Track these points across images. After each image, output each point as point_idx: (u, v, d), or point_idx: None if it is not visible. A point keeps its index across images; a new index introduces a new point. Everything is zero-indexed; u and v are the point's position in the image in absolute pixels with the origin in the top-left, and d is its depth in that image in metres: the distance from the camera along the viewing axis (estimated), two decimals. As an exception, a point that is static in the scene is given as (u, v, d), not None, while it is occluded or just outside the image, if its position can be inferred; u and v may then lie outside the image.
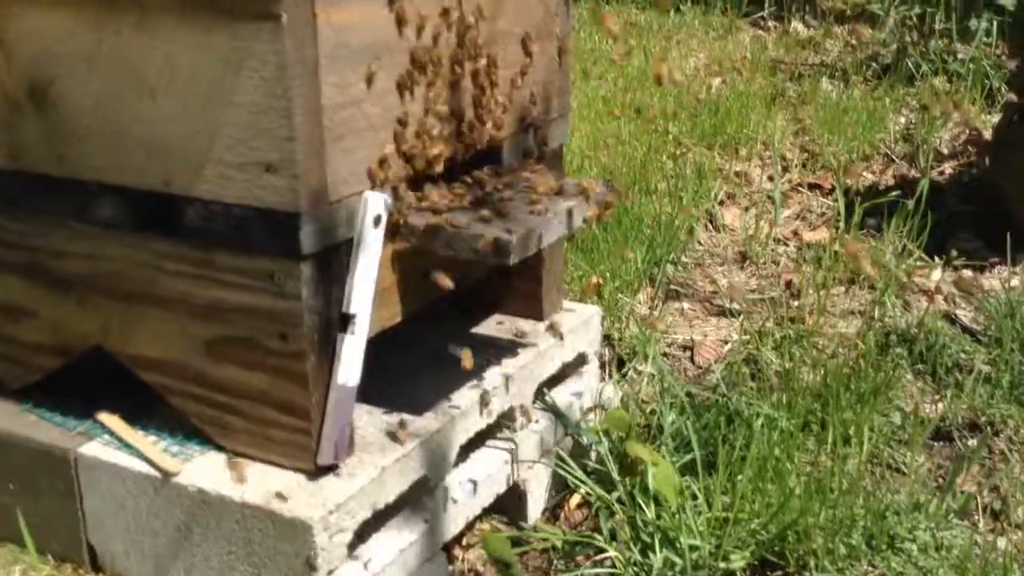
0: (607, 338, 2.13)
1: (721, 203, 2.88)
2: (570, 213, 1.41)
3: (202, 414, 1.33)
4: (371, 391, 1.43)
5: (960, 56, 3.78)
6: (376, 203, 1.24)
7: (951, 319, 2.23)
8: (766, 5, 4.75)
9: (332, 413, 1.25)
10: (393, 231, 1.31)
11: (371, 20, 1.22)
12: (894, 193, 2.61)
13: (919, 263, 2.46)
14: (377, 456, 1.33)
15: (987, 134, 3.12)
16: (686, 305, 2.37)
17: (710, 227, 2.76)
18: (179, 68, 1.17)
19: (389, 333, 1.38)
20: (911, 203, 2.45)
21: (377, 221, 1.25)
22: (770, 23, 4.74)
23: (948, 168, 3.09)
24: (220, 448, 1.33)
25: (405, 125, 1.30)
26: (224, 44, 1.13)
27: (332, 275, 1.23)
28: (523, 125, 1.53)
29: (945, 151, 3.19)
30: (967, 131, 3.25)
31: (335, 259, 1.23)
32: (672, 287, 2.40)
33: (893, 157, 3.19)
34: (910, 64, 3.76)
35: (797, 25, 4.70)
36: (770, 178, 2.99)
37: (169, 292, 1.28)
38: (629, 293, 2.28)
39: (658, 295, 2.32)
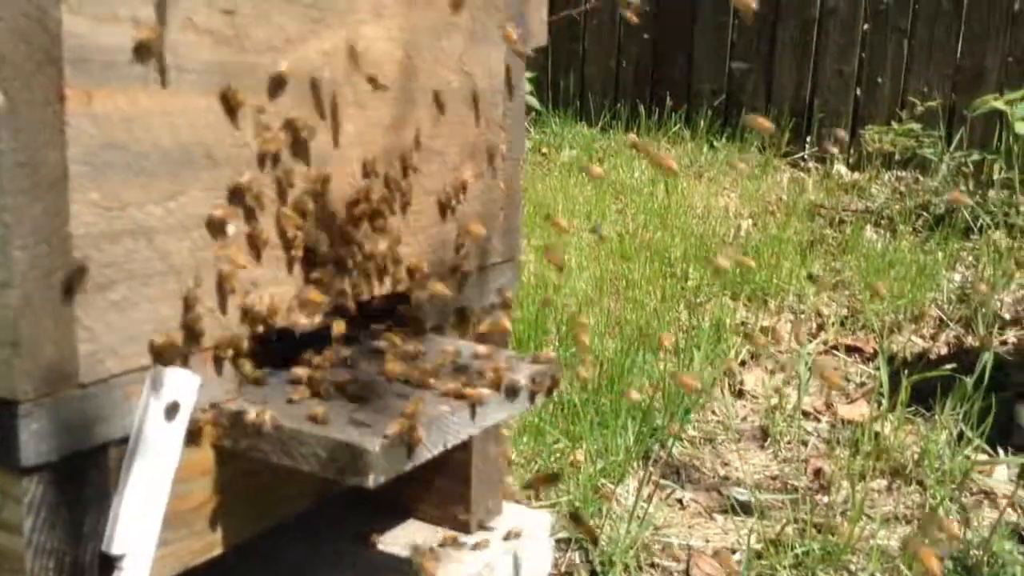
0: (579, 541, 1.67)
1: (743, 363, 2.45)
2: (474, 406, 0.98)
3: None
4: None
5: (1024, 209, 3.40)
6: (172, 385, 0.82)
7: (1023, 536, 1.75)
8: (807, 145, 4.41)
9: None
10: (202, 426, 0.88)
11: (177, 112, 0.82)
12: (948, 366, 2.18)
13: (979, 456, 1.99)
14: None
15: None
16: (688, 495, 1.91)
17: (727, 393, 2.31)
18: None
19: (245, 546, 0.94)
20: (969, 381, 2.02)
21: (172, 411, 0.83)
22: (811, 164, 4.39)
23: (1012, 336, 2.67)
24: None
25: (235, 270, 0.88)
26: (-77, 137, 0.74)
27: (86, 495, 0.80)
28: (442, 274, 1.11)
29: (1007, 315, 2.77)
30: (1034, 294, 2.83)
31: (92, 471, 0.80)
32: (671, 469, 1.95)
33: (947, 320, 2.75)
34: (966, 215, 3.35)
35: (840, 167, 4.33)
36: (808, 337, 2.55)
37: None
38: (614, 478, 1.83)
39: (650, 480, 1.86)
